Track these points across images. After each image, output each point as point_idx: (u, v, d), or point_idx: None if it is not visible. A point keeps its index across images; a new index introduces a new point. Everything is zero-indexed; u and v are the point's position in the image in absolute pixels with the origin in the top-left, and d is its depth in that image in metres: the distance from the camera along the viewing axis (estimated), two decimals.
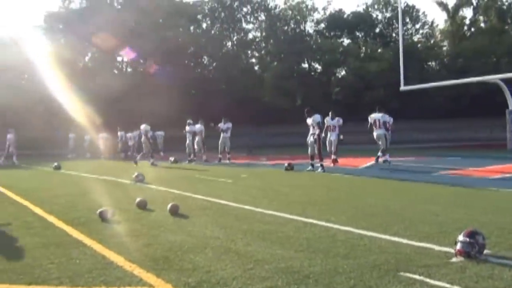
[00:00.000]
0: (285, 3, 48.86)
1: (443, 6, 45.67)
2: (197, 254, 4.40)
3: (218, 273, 3.78)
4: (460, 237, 3.99)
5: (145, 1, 42.85)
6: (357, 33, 49.08)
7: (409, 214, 6.28)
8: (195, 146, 19.42)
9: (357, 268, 3.79)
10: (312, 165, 13.55)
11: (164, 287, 3.55)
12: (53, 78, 30.57)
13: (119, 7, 45.51)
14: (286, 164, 13.92)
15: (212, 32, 48.50)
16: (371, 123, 14.85)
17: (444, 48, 48.50)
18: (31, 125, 28.39)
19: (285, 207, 6.98)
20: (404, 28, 43.45)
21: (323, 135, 13.77)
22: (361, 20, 47.47)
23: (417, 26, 48.51)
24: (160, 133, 26.19)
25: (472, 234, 3.97)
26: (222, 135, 19.04)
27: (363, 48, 47.61)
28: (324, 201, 7.61)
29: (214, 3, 47.74)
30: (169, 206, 6.70)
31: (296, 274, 3.70)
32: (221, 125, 19.17)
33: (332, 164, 14.75)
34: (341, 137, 15.71)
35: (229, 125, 19.13)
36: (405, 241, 4.70)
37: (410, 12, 47.00)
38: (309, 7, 48.30)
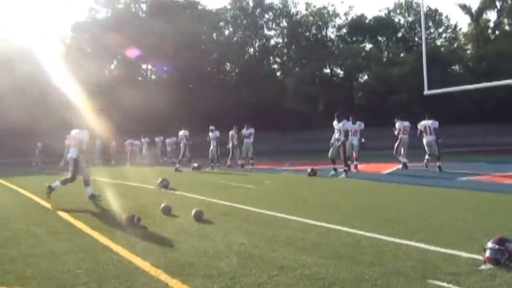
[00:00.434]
0: (306, 9, 48.92)
1: (467, 10, 45.00)
2: (221, 260, 4.42)
3: (243, 279, 3.79)
4: (489, 244, 3.91)
5: (168, 10, 43.53)
6: (379, 38, 48.77)
7: (435, 220, 6.18)
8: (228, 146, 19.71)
9: (384, 275, 3.74)
10: (335, 170, 13.46)
11: None
12: (80, 86, 31.16)
13: (144, 15, 46.31)
14: (309, 170, 13.86)
15: (234, 39, 48.84)
16: (421, 130, 14.79)
17: (468, 52, 47.67)
18: (56, 133, 29.03)
19: (308, 213, 6.95)
20: (427, 32, 42.91)
21: (342, 138, 13.62)
22: (383, 25, 47.15)
23: (440, 30, 47.91)
24: (169, 139, 26.60)
25: (501, 241, 3.88)
26: (245, 140, 19.11)
27: (385, 52, 47.21)
28: (348, 207, 7.55)
29: (237, 11, 48.11)
30: (193, 212, 6.75)
31: (322, 281, 3.68)
32: (244, 131, 19.25)
33: (354, 170, 14.63)
34: (363, 140, 15.60)
35: (252, 130, 19.18)
36: (432, 247, 4.62)
37: (433, 16, 46.42)
38: (330, 12, 48.23)
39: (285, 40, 49.83)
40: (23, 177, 17.85)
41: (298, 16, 49.22)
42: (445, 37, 48.26)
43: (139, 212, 6.92)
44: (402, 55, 44.39)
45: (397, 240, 4.98)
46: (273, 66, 50.85)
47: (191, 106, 36.83)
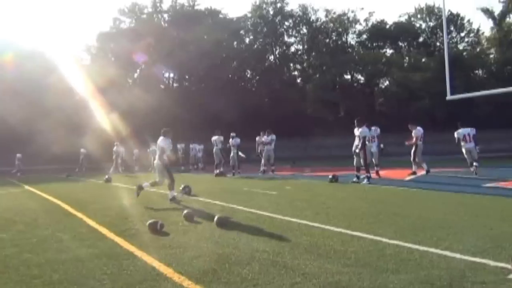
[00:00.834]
0: (326, 16, 48.98)
1: (489, 14, 44.32)
2: (244, 266, 4.42)
3: (266, 287, 3.79)
4: None
5: (190, 19, 44.11)
6: (400, 43, 48.46)
7: (461, 227, 6.06)
8: (244, 156, 19.74)
9: (408, 284, 3.69)
10: (358, 177, 13.35)
11: None
12: (104, 94, 31.78)
13: (166, 25, 46.99)
14: (330, 176, 13.78)
15: (255, 46, 49.17)
16: (459, 138, 14.69)
17: (491, 56, 46.88)
18: (81, 141, 29.62)
19: (330, 219, 6.91)
20: (449, 36, 42.37)
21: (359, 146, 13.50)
22: (404, 30, 46.82)
23: (462, 34, 47.25)
24: (198, 146, 26.73)
25: None
26: (266, 147, 19.13)
27: (407, 58, 46.82)
28: (371, 214, 7.46)
29: (257, 18, 48.47)
30: (215, 218, 6.79)
31: None
32: (264, 137, 19.28)
33: (376, 176, 14.48)
34: (382, 146, 15.41)
35: (273, 137, 19.20)
36: (458, 255, 4.54)
37: (455, 21, 45.85)
38: (350, 19, 48.20)
39: (305, 46, 49.95)
40: (49, 183, 18.21)
41: (318, 23, 49.28)
42: (467, 42, 47.61)
43: (162, 218, 6.99)
44: (423, 60, 43.96)
45: (421, 248, 4.90)
46: (293, 73, 50.98)
47: (212, 113, 37.10)
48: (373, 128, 15.13)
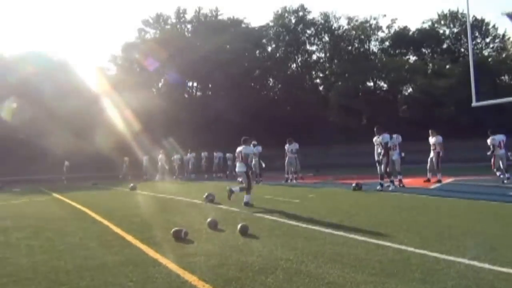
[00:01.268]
0: (348, 24, 48.81)
1: None
2: (268, 275, 4.43)
3: None
4: None
5: (213, 29, 44.58)
6: (424, 50, 47.87)
7: (489, 236, 5.93)
8: (263, 166, 19.72)
9: None
10: (381, 185, 13.22)
11: None
12: (130, 104, 32.33)
13: (189, 35, 47.58)
14: (354, 184, 13.66)
15: (277, 55, 49.31)
16: (494, 145, 14.47)
17: None
18: (108, 149, 30.19)
19: (355, 228, 6.86)
20: (474, 42, 41.66)
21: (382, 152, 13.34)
22: (427, 37, 46.23)
23: (487, 40, 46.31)
24: (230, 155, 26.82)
25: None
26: (288, 155, 19.12)
27: (430, 64, 46.16)
28: (396, 222, 7.37)
29: (279, 27, 48.65)
30: (239, 226, 6.82)
31: None
32: (286, 146, 19.27)
33: (400, 185, 14.27)
34: (403, 154, 15.15)
35: (296, 146, 19.16)
36: (486, 266, 4.45)
37: (479, 26, 45.01)
38: (373, 26, 47.83)
39: (327, 54, 49.85)
40: (76, 191, 18.55)
41: (340, 31, 49.14)
42: (492, 47, 46.60)
43: (186, 226, 7.06)
44: (447, 66, 43.27)
45: (448, 258, 4.82)
46: (315, 81, 50.89)
47: (234, 122, 37.29)
48: (394, 135, 14.88)
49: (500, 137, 14.52)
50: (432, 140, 15.43)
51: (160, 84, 47.48)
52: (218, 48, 43.05)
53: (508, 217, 7.69)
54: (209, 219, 7.52)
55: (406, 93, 46.77)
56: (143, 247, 6.06)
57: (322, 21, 49.11)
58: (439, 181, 14.81)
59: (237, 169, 11.61)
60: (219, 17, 49.09)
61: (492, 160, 14.63)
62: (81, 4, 79.85)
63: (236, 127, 36.40)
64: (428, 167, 15.27)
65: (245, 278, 4.37)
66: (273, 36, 49.20)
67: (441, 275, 4.23)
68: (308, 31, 49.57)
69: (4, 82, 33.50)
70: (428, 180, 14.79)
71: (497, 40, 46.36)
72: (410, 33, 47.38)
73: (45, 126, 30.80)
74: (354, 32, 48.33)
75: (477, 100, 14.10)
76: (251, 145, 19.28)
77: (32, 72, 33.97)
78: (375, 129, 13.60)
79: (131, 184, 18.24)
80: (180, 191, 15.87)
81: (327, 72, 50.02)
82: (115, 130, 30.79)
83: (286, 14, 49.12)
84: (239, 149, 11.38)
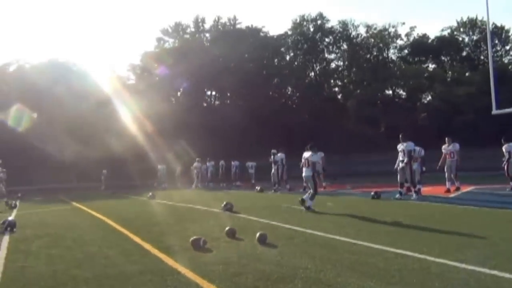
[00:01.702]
0: (367, 32, 48.72)
1: None
2: (286, 284, 4.41)
3: None
4: None
5: (231, 37, 44.89)
6: (443, 58, 47.43)
7: (509, 245, 5.81)
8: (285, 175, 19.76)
9: None
10: (401, 193, 13.07)
11: None
12: (149, 112, 32.65)
13: (208, 44, 47.98)
14: (372, 193, 13.53)
15: (295, 63, 49.39)
16: (510, 152, 14.23)
17: None
18: (127, 158, 30.52)
19: (373, 237, 6.78)
20: (494, 49, 41.05)
21: (406, 160, 13.17)
22: (447, 44, 45.81)
23: (507, 47, 45.64)
24: (251, 163, 26.91)
25: None
26: (277, 165, 19.20)
27: (450, 72, 45.67)
28: (414, 231, 7.27)
29: (297, 36, 48.77)
30: (257, 235, 6.81)
31: None
32: (276, 156, 19.37)
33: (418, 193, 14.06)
34: (424, 168, 14.84)
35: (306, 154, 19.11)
36: (507, 275, 4.36)
37: (499, 33, 44.39)
38: (391, 34, 47.59)
39: (346, 63, 49.73)
40: (96, 200, 18.78)
41: (359, 39, 49.02)
42: None
43: (205, 235, 7.07)
44: (467, 74, 42.76)
45: (468, 267, 4.74)
46: (334, 89, 50.78)
47: (253, 130, 37.38)
48: (417, 148, 14.71)
49: None
50: (449, 148, 15.17)
51: (178, 93, 47.91)
52: (237, 57, 43.36)
53: None
54: (227, 228, 7.53)
55: (425, 101, 46.36)
56: (162, 255, 6.09)
57: (341, 29, 49.12)
58: (458, 188, 14.58)
59: (304, 174, 11.97)
60: (238, 26, 49.44)
61: (506, 167, 14.38)
62: (101, 14, 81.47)
63: (254, 136, 36.54)
64: (446, 177, 15.00)
65: (263, 287, 4.36)
66: (291, 45, 49.34)
67: (461, 284, 4.16)
68: (327, 39, 49.59)
69: (23, 93, 34.22)
70: (448, 190, 14.55)
71: None
72: (429, 40, 47.09)
73: (63, 136, 31.33)
74: (372, 40, 48.19)
75: (497, 108, 13.88)
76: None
77: (51, 82, 34.59)
78: (400, 136, 13.50)
79: (150, 193, 18.38)
80: (198, 200, 15.93)
81: (345, 81, 49.90)
82: (138, 139, 31.12)
83: (305, 23, 49.26)
84: (306, 155, 11.89)
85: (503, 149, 14.37)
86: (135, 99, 34.97)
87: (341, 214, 10.10)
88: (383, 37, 47.53)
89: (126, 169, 30.85)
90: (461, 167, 15.20)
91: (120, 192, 23.76)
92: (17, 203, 16.84)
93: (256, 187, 20.06)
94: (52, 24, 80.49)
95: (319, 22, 48.91)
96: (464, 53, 46.91)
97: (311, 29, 49.09)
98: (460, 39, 47.03)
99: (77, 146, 30.84)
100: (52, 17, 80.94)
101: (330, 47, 49.98)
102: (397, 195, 13.06)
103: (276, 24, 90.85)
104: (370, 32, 48.37)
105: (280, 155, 19.58)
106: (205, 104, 48.00)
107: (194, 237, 6.72)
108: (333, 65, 50.71)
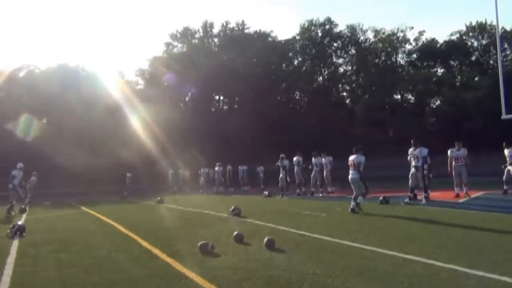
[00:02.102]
0: (375, 37, 48.53)
1: None
2: None
3: None
4: None
5: (240, 42, 44.99)
6: (451, 62, 47.09)
7: None
8: (298, 179, 19.72)
9: None
10: (410, 198, 13.00)
11: None
12: (158, 118, 32.77)
13: (216, 49, 48.12)
14: (381, 198, 13.46)
15: (304, 68, 49.34)
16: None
17: None
18: (135, 163, 30.63)
19: (382, 242, 6.74)
20: (503, 54, 40.77)
21: (420, 165, 13.08)
22: (455, 49, 45.49)
23: None
24: (261, 168, 26.94)
25: None
26: (314, 169, 19.04)
27: (458, 77, 45.36)
28: (424, 236, 7.21)
29: (305, 41, 48.74)
30: (265, 240, 6.80)
31: None
32: (313, 160, 19.21)
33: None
34: (431, 176, 14.72)
35: (317, 160, 19.07)
36: None
37: (508, 38, 44.00)
38: (400, 38, 47.43)
39: (354, 67, 49.61)
40: (104, 205, 18.87)
41: (367, 44, 48.93)
42: None
43: (213, 239, 7.07)
44: (476, 79, 42.44)
45: (478, 273, 4.69)
46: (342, 94, 50.65)
47: (261, 135, 37.38)
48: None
49: None
50: (458, 152, 15.04)
51: (187, 98, 48.06)
52: (245, 62, 43.40)
53: None
54: (235, 233, 7.53)
55: (434, 106, 46.03)
56: (170, 260, 6.10)
57: (349, 34, 49.02)
58: (467, 194, 14.47)
59: (350, 176, 11.96)
60: (246, 31, 49.52)
61: (506, 171, 14.31)
62: (110, 19, 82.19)
63: (261, 140, 36.51)
64: (455, 182, 14.85)
65: None
66: (299, 49, 49.31)
67: None
68: (335, 44, 49.52)
69: (33, 99, 34.48)
70: (457, 196, 14.43)
71: None
72: (438, 45, 46.80)
73: (72, 143, 31.52)
74: (381, 44, 48.04)
75: (507, 112, 13.82)
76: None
77: (61, 87, 34.83)
78: (412, 141, 13.44)
79: (158, 198, 18.44)
80: (206, 205, 15.94)
81: (353, 85, 49.77)
82: (147, 145, 31.24)
83: (313, 27, 49.22)
84: (352, 158, 11.92)
85: (505, 153, 14.26)
86: (144, 104, 35.09)
87: (349, 219, 10.06)
88: (392, 41, 47.38)
89: (136, 175, 30.93)
90: (470, 173, 15.08)
91: (129, 196, 23.86)
92: (27, 208, 16.98)
93: (264, 192, 20.04)
94: (61, 29, 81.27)
95: (327, 26, 48.85)
96: (473, 58, 46.56)
97: (319, 34, 49.05)
98: (469, 43, 46.71)
99: (86, 153, 30.98)
100: (61, 22, 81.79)
101: (338, 51, 49.88)
102: (406, 199, 13.00)
103: (284, 28, 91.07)
104: (379, 37, 48.21)
105: (297, 158, 19.56)
106: (213, 109, 48.06)
107: (202, 242, 6.72)
108: (341, 69, 50.62)
